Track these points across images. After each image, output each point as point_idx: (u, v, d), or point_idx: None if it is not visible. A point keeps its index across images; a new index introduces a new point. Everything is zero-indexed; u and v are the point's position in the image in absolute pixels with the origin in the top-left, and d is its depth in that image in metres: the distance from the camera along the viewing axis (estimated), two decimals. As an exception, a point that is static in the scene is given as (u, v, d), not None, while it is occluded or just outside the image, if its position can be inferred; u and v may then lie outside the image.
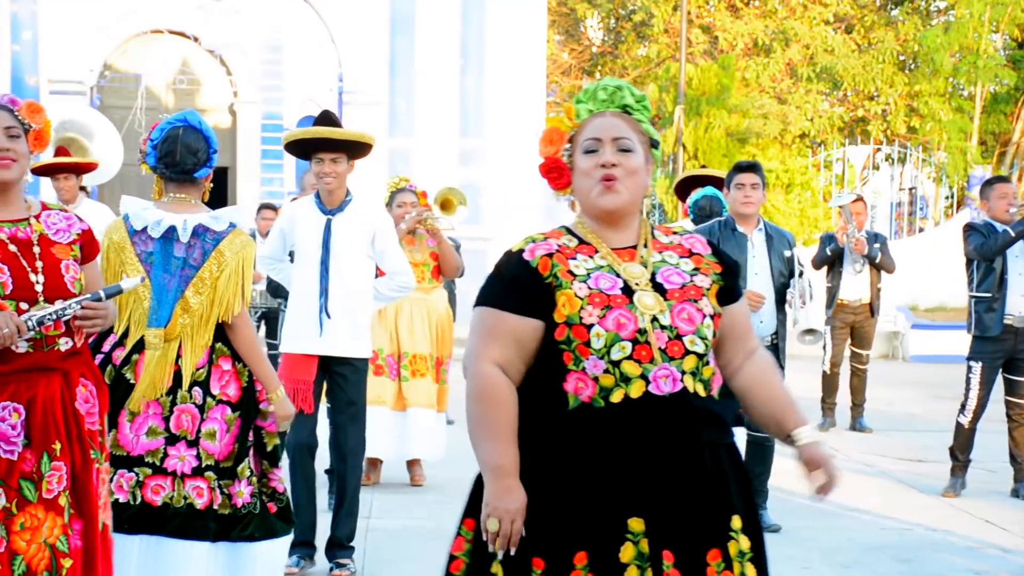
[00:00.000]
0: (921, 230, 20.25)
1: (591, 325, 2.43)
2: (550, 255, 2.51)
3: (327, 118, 5.20)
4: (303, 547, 5.05)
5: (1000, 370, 6.89)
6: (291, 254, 5.41)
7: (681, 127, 17.86)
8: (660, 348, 2.43)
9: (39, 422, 3.25)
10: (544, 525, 2.42)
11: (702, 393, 2.47)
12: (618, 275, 2.50)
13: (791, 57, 20.93)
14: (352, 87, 17.51)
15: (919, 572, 5.36)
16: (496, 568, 2.45)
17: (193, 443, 3.86)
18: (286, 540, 4.19)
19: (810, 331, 6.02)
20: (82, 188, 7.94)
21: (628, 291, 2.47)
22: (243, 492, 3.94)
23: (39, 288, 3.26)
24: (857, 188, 19.95)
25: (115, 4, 16.81)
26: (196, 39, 17.44)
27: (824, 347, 9.37)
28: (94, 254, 3.47)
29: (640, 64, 23.07)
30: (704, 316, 2.49)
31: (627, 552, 2.39)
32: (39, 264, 3.29)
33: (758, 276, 5.91)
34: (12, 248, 3.27)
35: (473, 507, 2.51)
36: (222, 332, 3.96)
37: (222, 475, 3.91)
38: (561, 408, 2.44)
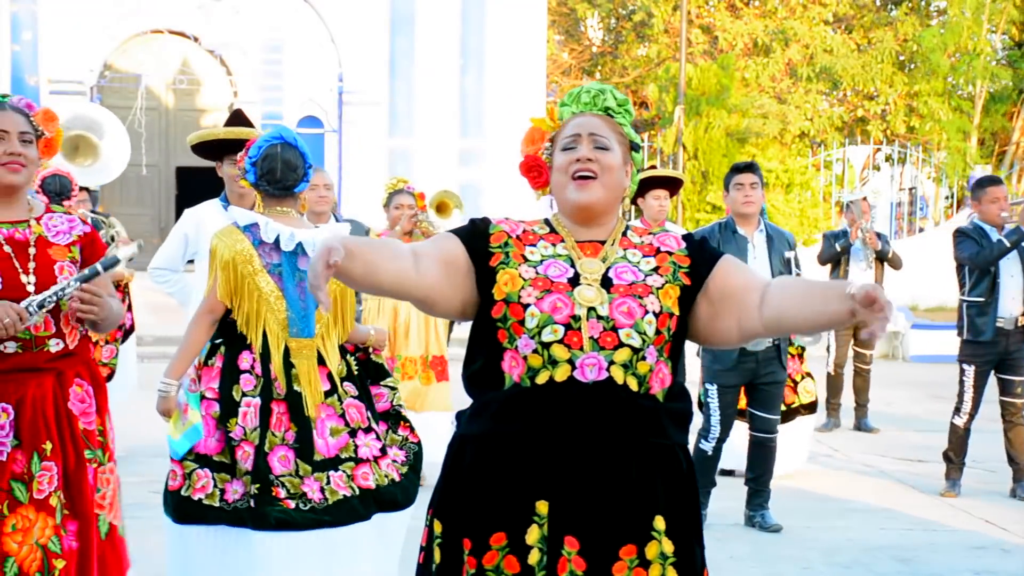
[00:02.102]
0: (921, 230, 20.26)
1: (528, 305, 2.47)
2: (508, 233, 2.59)
3: (238, 118, 4.97)
4: None
5: (992, 371, 6.89)
6: (192, 262, 5.09)
7: (681, 127, 17.86)
8: (592, 337, 2.45)
9: (28, 422, 3.25)
10: (471, 506, 2.48)
11: (634, 387, 2.46)
12: (573, 266, 2.54)
13: (791, 57, 20.92)
14: (352, 87, 17.51)
15: (919, 572, 5.36)
16: (436, 552, 2.52)
17: (368, 430, 4.14)
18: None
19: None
20: (85, 189, 7.96)
21: (575, 282, 2.52)
22: (399, 454, 4.23)
23: (30, 288, 3.27)
24: (857, 188, 19.94)
25: (115, 4, 16.82)
26: (196, 39, 17.46)
27: (828, 348, 9.37)
28: (98, 255, 3.46)
29: (640, 64, 23.07)
30: (646, 312, 2.47)
31: (532, 534, 2.42)
32: (31, 265, 3.31)
33: None
34: (7, 249, 3.29)
35: (436, 496, 2.57)
36: None
37: (381, 454, 4.20)
38: (499, 388, 2.50)
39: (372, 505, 4.07)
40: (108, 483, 3.43)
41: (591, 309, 2.47)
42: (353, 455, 4.08)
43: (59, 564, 3.25)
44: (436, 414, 6.86)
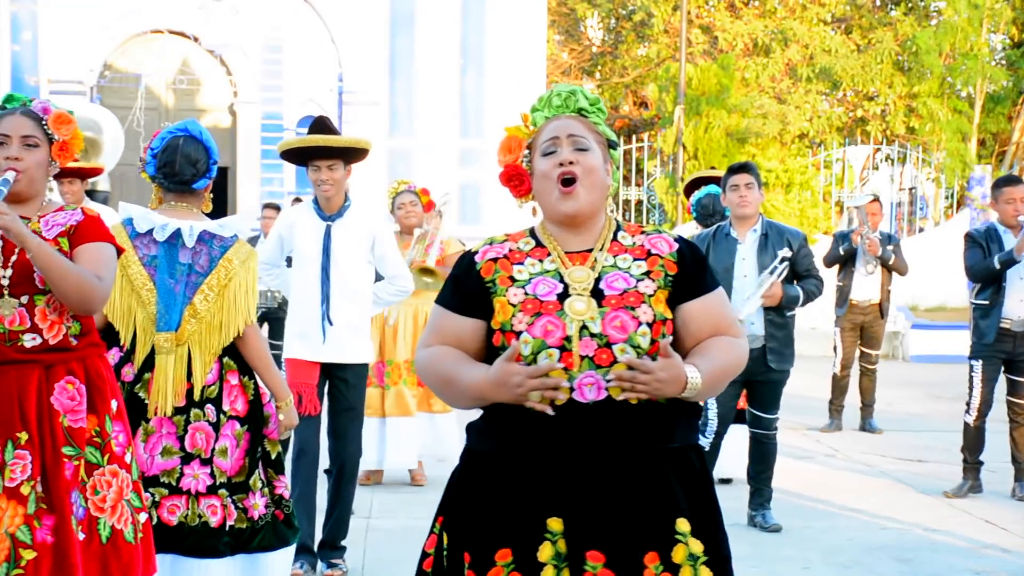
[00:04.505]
0: (921, 230, 20.25)
1: (520, 332, 2.47)
2: (496, 260, 2.58)
3: (322, 125, 5.17)
4: (305, 554, 5.05)
5: (1002, 370, 6.89)
6: (288, 259, 5.43)
7: (681, 127, 17.85)
8: (587, 356, 2.43)
9: (3, 411, 3.23)
10: (475, 521, 2.47)
11: (633, 400, 2.43)
12: (561, 280, 2.52)
13: (790, 57, 20.92)
14: (352, 87, 17.51)
15: (919, 572, 5.36)
16: (444, 562, 2.53)
17: (207, 461, 3.85)
18: (293, 547, 4.20)
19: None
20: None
21: (565, 297, 2.49)
22: (258, 504, 3.97)
23: (3, 282, 3.26)
24: (857, 188, 19.94)
25: (115, 4, 16.82)
26: (196, 39, 17.45)
27: (835, 348, 9.35)
28: (88, 238, 3.38)
29: (640, 64, 23.06)
30: (639, 324, 2.46)
31: (544, 551, 2.41)
32: (13, 259, 3.29)
33: (746, 279, 5.88)
34: None
35: (445, 505, 2.57)
36: (231, 345, 3.94)
37: (235, 490, 3.91)
38: (500, 407, 2.49)
39: (160, 541, 3.71)
40: (109, 486, 3.37)
41: (583, 327, 2.45)
42: (173, 483, 3.80)
43: (27, 555, 3.20)
44: (443, 415, 6.92)
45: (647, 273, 2.53)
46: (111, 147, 8.48)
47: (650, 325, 2.47)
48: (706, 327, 2.55)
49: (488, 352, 2.54)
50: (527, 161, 2.64)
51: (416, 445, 6.87)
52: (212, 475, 3.85)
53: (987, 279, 6.80)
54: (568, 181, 2.55)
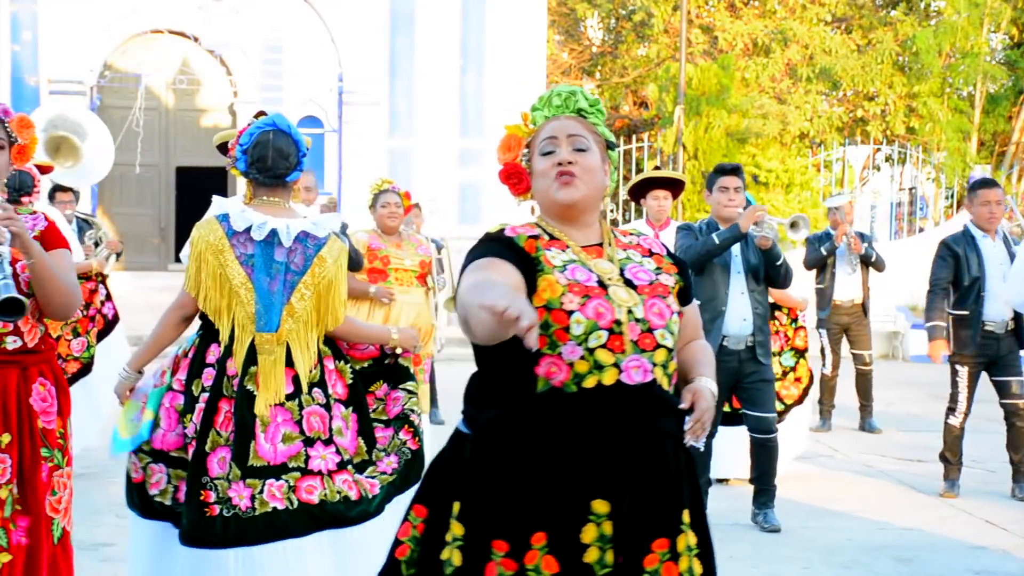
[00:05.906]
0: (921, 230, 20.24)
1: (572, 311, 2.47)
2: (535, 237, 2.59)
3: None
4: None
5: (984, 371, 6.89)
6: None
7: (681, 127, 17.85)
8: (633, 340, 2.50)
9: None
10: (506, 507, 2.44)
11: (666, 386, 2.56)
12: (590, 270, 2.57)
13: (790, 57, 20.92)
14: (352, 87, 17.52)
15: (919, 572, 5.36)
16: (448, 554, 2.47)
17: (329, 441, 3.85)
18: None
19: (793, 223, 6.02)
20: (69, 190, 7.96)
21: (603, 285, 2.54)
22: (391, 462, 3.94)
23: None
24: (857, 188, 19.94)
25: (115, 4, 16.83)
26: (196, 39, 17.46)
27: (823, 351, 9.36)
28: (55, 244, 3.41)
29: (640, 64, 23.05)
30: (672, 312, 2.59)
31: (589, 533, 2.44)
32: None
33: (739, 274, 5.94)
34: None
35: (425, 494, 2.59)
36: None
37: (361, 468, 3.90)
38: (528, 391, 2.47)
39: (309, 523, 3.75)
40: (65, 487, 3.39)
41: (629, 311, 2.52)
42: (302, 466, 3.78)
43: (3, 558, 3.21)
44: None
45: (659, 268, 2.66)
46: (91, 158, 8.44)
47: (678, 314, 2.62)
48: (690, 330, 2.75)
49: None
50: (526, 160, 2.67)
51: None
52: (338, 453, 3.85)
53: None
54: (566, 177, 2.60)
